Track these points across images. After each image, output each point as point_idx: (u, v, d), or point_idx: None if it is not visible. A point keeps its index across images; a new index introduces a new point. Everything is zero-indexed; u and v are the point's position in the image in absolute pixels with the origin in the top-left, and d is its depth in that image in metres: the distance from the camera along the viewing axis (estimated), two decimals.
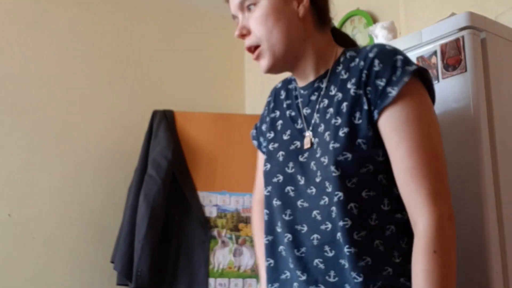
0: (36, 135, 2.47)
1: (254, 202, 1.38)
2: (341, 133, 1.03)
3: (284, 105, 1.21)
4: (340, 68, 1.12)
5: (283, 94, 1.24)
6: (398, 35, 1.68)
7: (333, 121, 1.06)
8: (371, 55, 1.05)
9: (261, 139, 1.30)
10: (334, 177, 1.01)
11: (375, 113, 1.02)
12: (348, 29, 2.45)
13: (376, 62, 1.04)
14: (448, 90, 1.28)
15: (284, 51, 1.12)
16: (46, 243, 2.41)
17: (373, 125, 1.03)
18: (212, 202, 2.40)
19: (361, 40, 2.37)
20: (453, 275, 0.96)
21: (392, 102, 1.01)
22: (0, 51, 2.46)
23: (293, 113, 1.18)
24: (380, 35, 1.61)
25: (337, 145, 1.03)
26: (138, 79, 2.80)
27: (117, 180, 2.59)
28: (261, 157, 1.31)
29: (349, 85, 1.07)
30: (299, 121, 1.16)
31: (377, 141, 1.03)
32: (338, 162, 1.01)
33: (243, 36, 1.14)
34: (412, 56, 1.38)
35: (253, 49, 1.14)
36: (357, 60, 1.09)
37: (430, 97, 1.06)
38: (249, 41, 1.14)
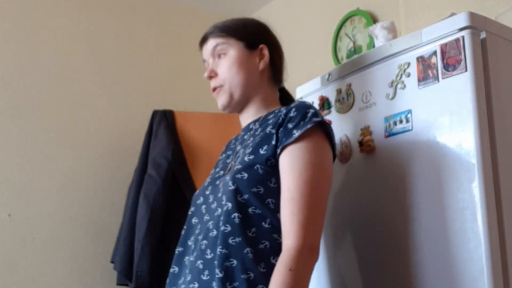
0: (36, 135, 2.47)
1: None
2: (246, 159, 1.23)
3: (231, 146, 1.45)
4: (271, 116, 1.33)
5: (233, 140, 1.47)
6: (398, 35, 1.68)
7: (246, 151, 1.27)
8: (292, 105, 1.27)
9: None
10: (229, 190, 1.20)
11: (279, 148, 1.21)
12: (348, 29, 2.45)
13: (293, 110, 1.25)
14: (448, 90, 1.28)
15: (240, 94, 1.35)
16: (46, 243, 2.41)
17: (275, 158, 1.22)
18: None
19: (361, 40, 2.37)
20: None
21: (293, 141, 1.20)
22: (0, 51, 2.46)
23: (229, 152, 1.42)
24: (380, 35, 1.61)
25: (239, 166, 1.23)
26: (138, 79, 2.81)
27: (117, 180, 2.59)
28: None
29: (269, 126, 1.27)
30: (231, 157, 1.38)
31: (273, 170, 1.21)
32: (235, 179, 1.20)
33: (210, 77, 1.37)
34: (412, 56, 1.38)
35: (216, 89, 1.37)
36: (283, 109, 1.29)
37: (331, 147, 1.26)
38: (214, 82, 1.37)
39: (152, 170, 2.37)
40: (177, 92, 2.90)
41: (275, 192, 1.20)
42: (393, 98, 1.41)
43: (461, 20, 1.28)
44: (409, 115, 1.36)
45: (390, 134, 1.39)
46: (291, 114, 1.23)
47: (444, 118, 1.28)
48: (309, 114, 1.22)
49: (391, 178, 1.38)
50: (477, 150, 1.21)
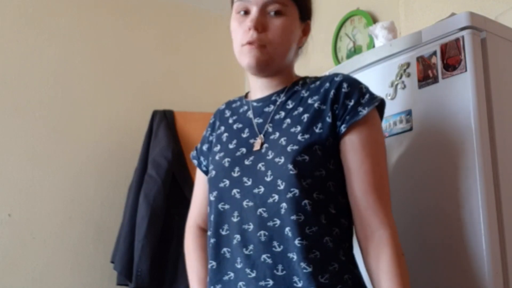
0: (36, 135, 2.47)
1: (188, 228, 1.39)
2: (300, 138, 1.12)
3: (230, 121, 1.30)
4: (299, 88, 1.23)
5: (227, 113, 1.33)
6: (398, 35, 1.68)
7: (292, 129, 1.15)
8: (337, 79, 1.18)
9: (201, 159, 1.37)
10: (291, 175, 1.09)
11: (342, 127, 1.13)
12: (348, 29, 2.45)
13: (345, 85, 1.16)
14: (448, 90, 1.28)
15: (278, 64, 1.21)
16: (46, 243, 2.41)
17: (334, 136, 1.14)
18: None
19: (361, 40, 2.37)
20: None
21: (361, 120, 1.12)
22: (0, 51, 2.46)
23: (240, 125, 1.26)
24: (380, 35, 1.60)
25: (295, 147, 1.11)
26: (138, 79, 2.80)
27: (117, 180, 2.59)
28: (199, 179, 1.39)
29: (310, 101, 1.18)
30: (246, 131, 1.23)
31: (331, 150, 1.14)
32: (296, 162, 1.09)
33: (256, 29, 1.17)
34: (412, 56, 1.38)
35: (258, 45, 1.18)
36: (317, 82, 1.21)
37: None
38: (260, 38, 1.17)
39: (152, 170, 2.37)
40: (177, 92, 2.90)
41: (334, 174, 1.13)
42: (393, 98, 1.41)
43: (461, 20, 1.28)
44: (409, 115, 1.36)
45: (390, 134, 1.39)
46: (345, 90, 1.15)
47: (444, 118, 1.28)
48: (364, 90, 1.16)
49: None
50: (477, 150, 1.21)
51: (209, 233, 1.21)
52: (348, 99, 1.14)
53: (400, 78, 1.40)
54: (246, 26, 1.18)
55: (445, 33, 1.30)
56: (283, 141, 1.14)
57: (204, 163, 1.35)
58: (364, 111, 1.12)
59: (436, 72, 1.31)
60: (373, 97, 1.16)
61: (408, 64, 1.38)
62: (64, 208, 2.48)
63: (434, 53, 1.32)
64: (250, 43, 1.17)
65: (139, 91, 2.79)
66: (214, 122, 1.36)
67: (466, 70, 1.25)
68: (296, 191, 1.08)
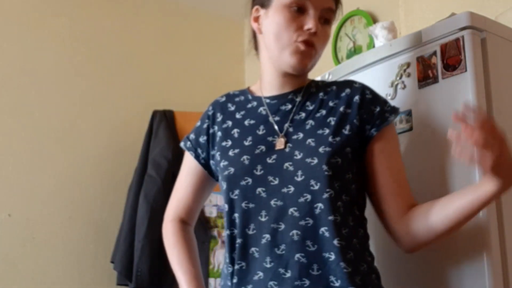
0: (36, 135, 2.47)
1: (169, 221, 1.36)
2: (331, 140, 1.15)
3: (238, 116, 1.28)
4: (314, 90, 1.26)
5: (231, 107, 1.31)
6: (398, 35, 1.68)
7: (318, 131, 1.17)
8: (357, 85, 1.23)
9: (199, 151, 1.32)
10: (326, 176, 1.11)
11: (373, 130, 1.18)
12: (348, 29, 2.45)
13: (367, 91, 1.22)
14: (448, 90, 1.28)
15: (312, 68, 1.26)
16: (46, 243, 2.41)
17: (361, 139, 1.18)
18: (212, 202, 2.40)
19: (361, 40, 2.37)
20: None
21: (389, 125, 1.20)
22: (0, 51, 2.46)
23: (252, 122, 1.25)
24: (380, 35, 1.60)
25: (328, 149, 1.13)
26: (138, 79, 2.80)
27: (117, 180, 2.59)
28: (188, 171, 1.35)
29: (331, 104, 1.21)
30: (261, 128, 1.22)
31: (357, 155, 1.18)
32: (331, 164, 1.12)
33: (315, 33, 1.18)
34: (412, 56, 1.38)
35: (314, 48, 1.21)
36: (334, 87, 1.25)
37: None
38: (316, 41, 1.20)
39: (152, 170, 2.38)
40: (177, 92, 2.90)
41: (356, 178, 1.17)
42: (393, 98, 1.41)
43: (461, 20, 1.28)
44: (409, 115, 1.36)
45: None
46: (369, 96, 1.21)
47: (444, 118, 1.28)
48: (383, 98, 1.24)
49: None
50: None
51: (228, 232, 1.18)
52: (373, 105, 1.20)
53: (400, 78, 1.40)
54: (303, 25, 1.18)
55: (445, 33, 1.30)
56: (311, 142, 1.15)
57: (203, 155, 1.31)
58: (391, 118, 1.20)
59: (436, 72, 1.31)
60: (394, 106, 1.23)
61: (408, 64, 1.38)
62: (64, 208, 2.48)
63: (434, 53, 1.32)
64: (309, 44, 1.19)
65: (139, 91, 2.79)
66: (214, 113, 1.32)
67: (466, 70, 1.25)
68: (332, 192, 1.11)
